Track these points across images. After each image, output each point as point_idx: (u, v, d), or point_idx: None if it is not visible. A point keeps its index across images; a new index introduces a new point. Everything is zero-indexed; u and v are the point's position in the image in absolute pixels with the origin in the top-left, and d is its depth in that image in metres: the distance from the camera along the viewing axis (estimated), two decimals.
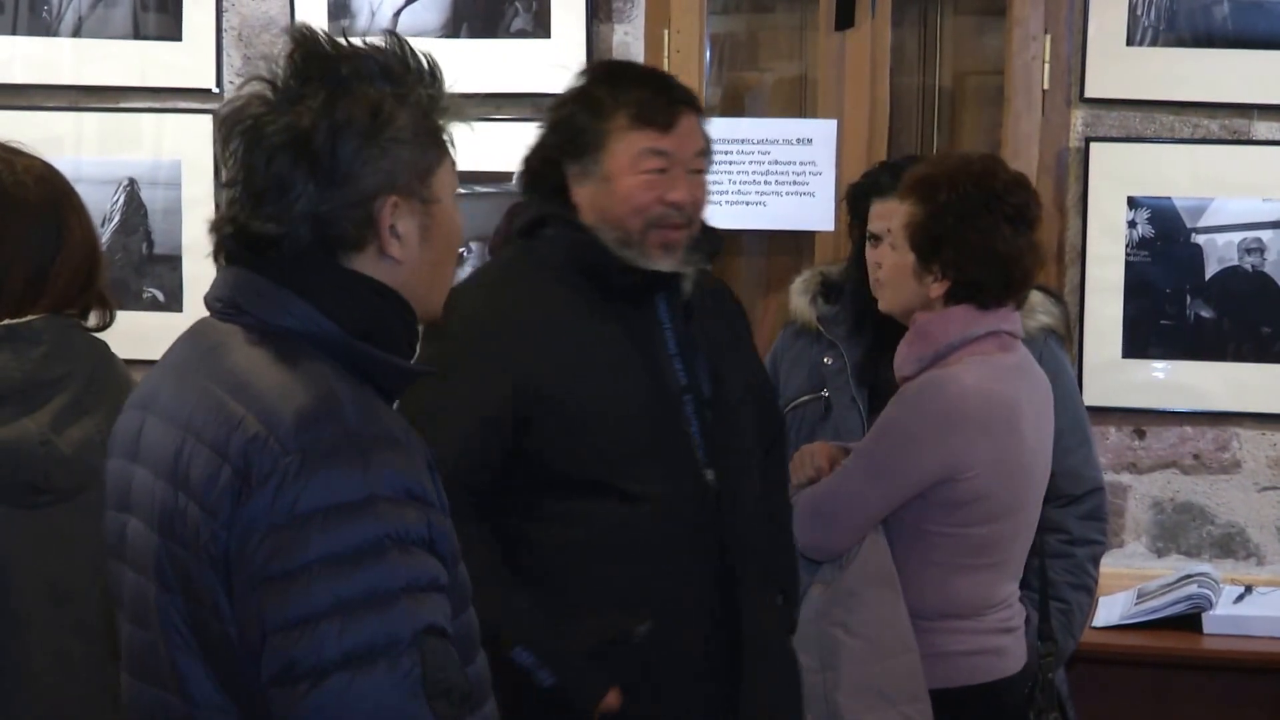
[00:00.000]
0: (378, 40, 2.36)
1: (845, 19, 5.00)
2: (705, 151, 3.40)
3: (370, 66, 2.32)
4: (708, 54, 5.20)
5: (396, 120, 2.30)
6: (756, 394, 3.59)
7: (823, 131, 4.95)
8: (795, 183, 4.94)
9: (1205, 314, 4.89)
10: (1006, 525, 3.66)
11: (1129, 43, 4.91)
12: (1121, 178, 4.91)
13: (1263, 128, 4.89)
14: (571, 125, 3.34)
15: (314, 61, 2.32)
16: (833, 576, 3.65)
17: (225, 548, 2.16)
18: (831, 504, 3.65)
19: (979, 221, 3.60)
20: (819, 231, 5.00)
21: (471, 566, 2.43)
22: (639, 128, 3.29)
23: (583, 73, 3.45)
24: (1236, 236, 4.85)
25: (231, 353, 2.30)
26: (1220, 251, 4.87)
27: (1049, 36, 4.94)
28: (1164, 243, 4.90)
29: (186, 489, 2.21)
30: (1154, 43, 4.89)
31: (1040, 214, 3.71)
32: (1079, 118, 4.96)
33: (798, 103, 5.29)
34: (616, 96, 3.32)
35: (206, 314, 2.40)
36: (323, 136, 2.26)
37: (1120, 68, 4.91)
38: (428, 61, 2.38)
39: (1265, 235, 4.86)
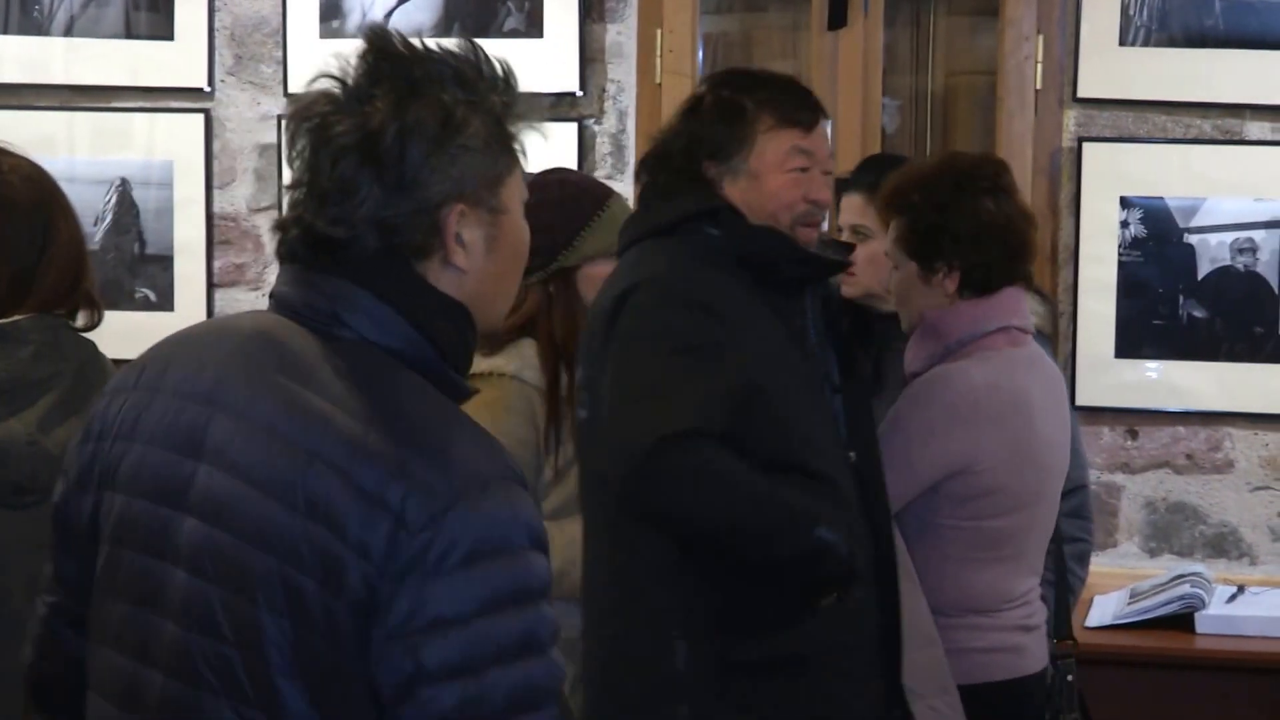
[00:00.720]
0: (452, 45, 2.30)
1: (838, 19, 5.00)
2: (832, 154, 3.50)
3: (444, 70, 2.24)
4: (700, 54, 5.20)
5: (468, 127, 2.22)
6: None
7: None
8: None
9: (1198, 314, 4.89)
10: (1021, 518, 3.67)
11: (1121, 43, 4.91)
12: (1114, 178, 4.91)
13: (1255, 128, 4.89)
14: (714, 127, 3.38)
15: (386, 62, 2.23)
16: None
17: (374, 587, 2.07)
18: None
19: (959, 205, 3.66)
20: None
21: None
22: (786, 127, 3.36)
23: (711, 78, 3.54)
24: (1229, 236, 4.85)
25: (332, 366, 2.20)
26: (1213, 251, 4.87)
27: (1041, 37, 4.94)
28: (1156, 243, 4.90)
29: (316, 518, 2.10)
30: (1146, 43, 4.90)
31: (1013, 181, 3.79)
32: (1072, 118, 4.96)
33: None
34: (761, 99, 3.38)
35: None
36: (391, 139, 2.18)
37: (1113, 68, 4.91)
38: (502, 68, 2.30)
39: (1258, 235, 4.86)
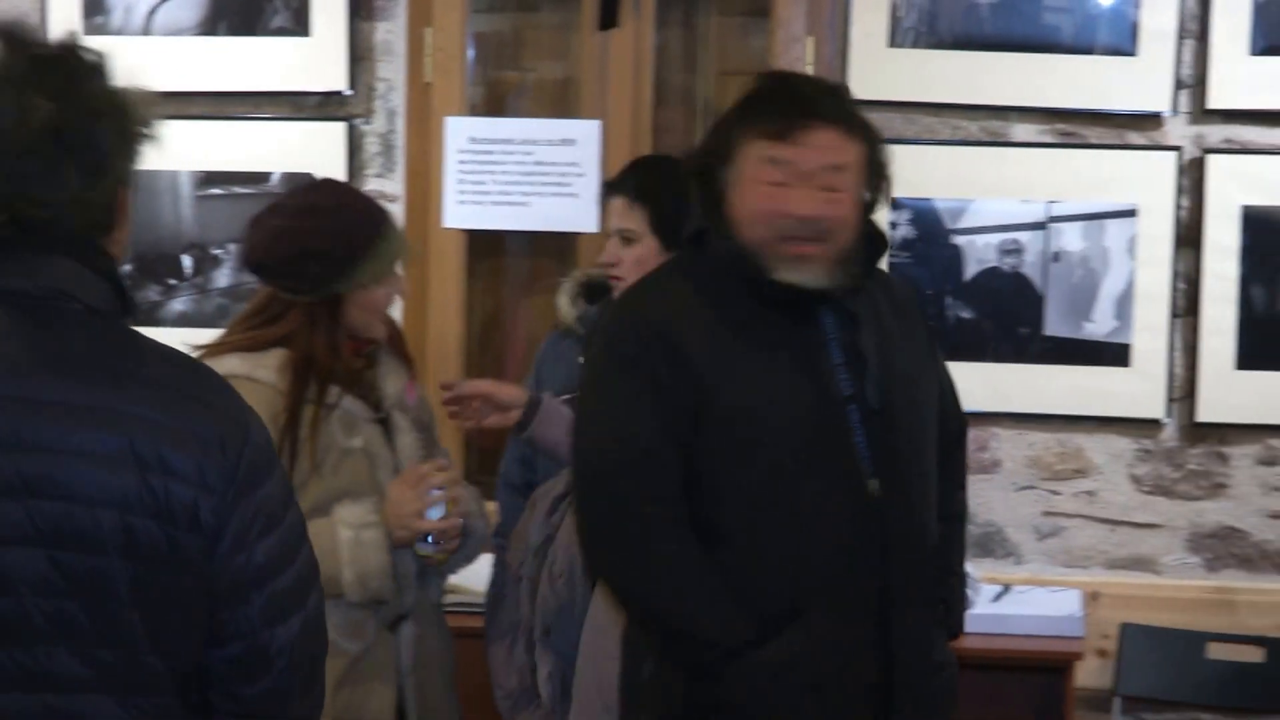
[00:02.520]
0: (68, 39, 2.41)
1: (609, 19, 4.98)
2: (843, 167, 3.26)
3: (99, 63, 2.40)
4: (471, 53, 5.15)
5: (138, 113, 2.40)
6: (936, 394, 3.53)
7: (586, 132, 4.92)
8: (559, 184, 4.91)
9: (965, 314, 4.93)
10: None
11: (890, 44, 4.93)
12: None
13: (1021, 129, 4.94)
14: (716, 131, 3.32)
15: (50, 58, 2.38)
16: None
17: (217, 511, 2.34)
18: None
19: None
20: (582, 233, 4.97)
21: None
22: (758, 137, 3.24)
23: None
24: (995, 238, 4.90)
25: (87, 336, 2.37)
26: (979, 253, 4.91)
27: (812, 38, 4.95)
28: (925, 244, 4.94)
29: (149, 469, 2.31)
30: (915, 45, 4.93)
31: None
32: None
33: (562, 103, 5.26)
34: (751, 104, 3.29)
35: None
36: (84, 127, 2.35)
37: (882, 69, 4.94)
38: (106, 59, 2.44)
39: (1023, 236, 4.91)
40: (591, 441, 3.29)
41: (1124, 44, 4.88)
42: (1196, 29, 4.87)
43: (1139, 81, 4.89)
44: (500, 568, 4.10)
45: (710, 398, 3.21)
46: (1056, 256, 4.92)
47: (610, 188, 4.20)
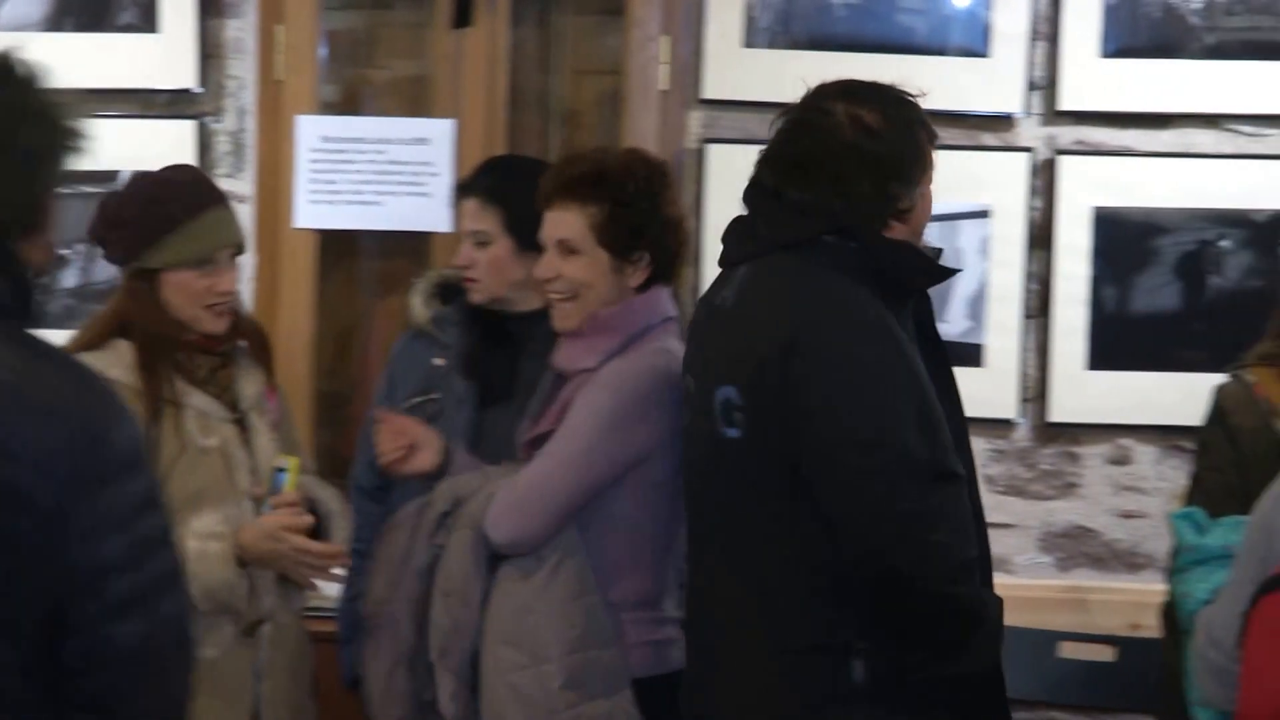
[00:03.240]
0: None
1: (463, 18, 4.95)
2: None
3: (31, 70, 2.48)
4: (323, 51, 5.10)
5: (69, 119, 2.48)
6: None
7: (440, 131, 4.90)
8: (412, 183, 4.88)
9: None
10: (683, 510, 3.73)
11: (746, 44, 4.93)
12: (738, 180, 4.85)
13: None
14: (901, 148, 3.37)
15: None
16: (534, 568, 3.64)
17: (59, 501, 2.34)
18: (536, 494, 3.64)
19: (660, 197, 3.76)
20: (436, 233, 4.93)
21: None
22: (934, 148, 3.42)
23: (849, 94, 3.42)
24: None
25: None
26: None
27: (667, 38, 4.95)
28: None
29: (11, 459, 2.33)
30: (770, 45, 4.93)
31: None
32: (696, 119, 4.97)
33: (416, 101, 5.22)
34: (923, 118, 3.42)
35: None
36: (16, 132, 2.42)
37: (737, 70, 4.93)
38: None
39: None
40: (876, 416, 3.22)
41: (977, 45, 4.91)
42: (1048, 31, 4.91)
43: (991, 83, 4.93)
44: (354, 585, 4.08)
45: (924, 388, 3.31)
46: None
47: (463, 189, 4.16)
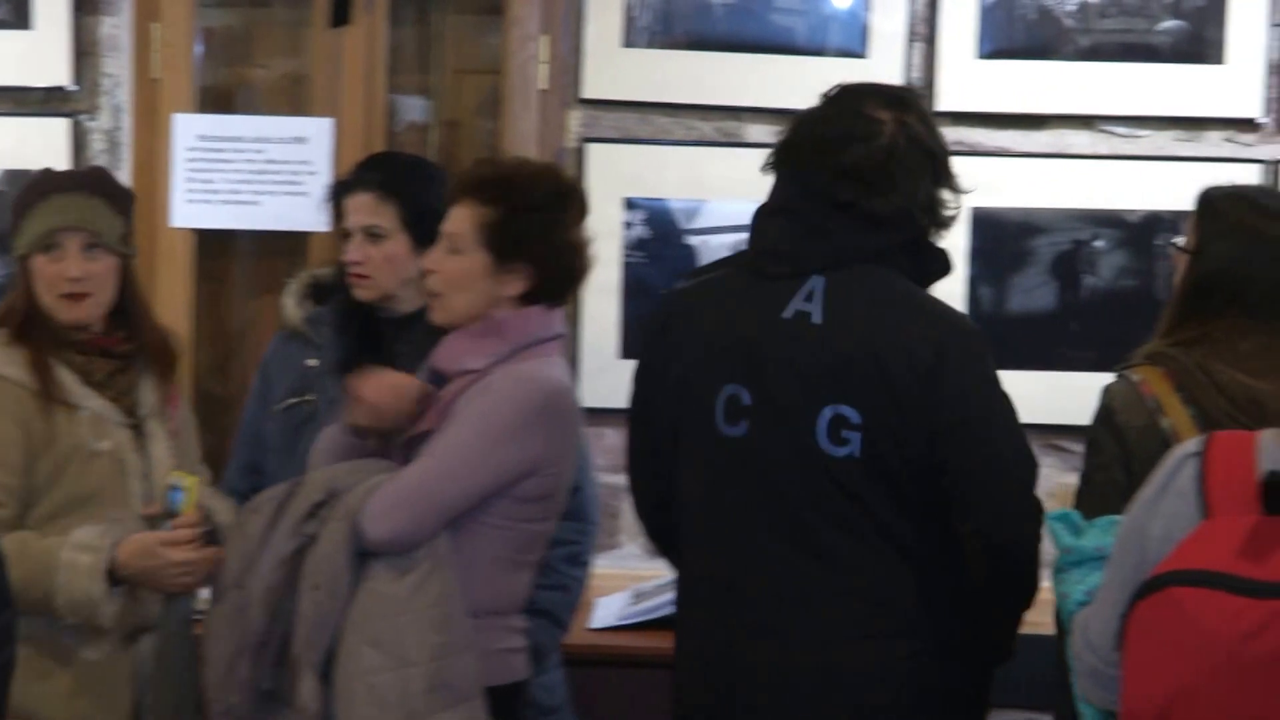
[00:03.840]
0: None
1: (341, 16, 4.93)
2: None
3: None
4: (200, 49, 5.06)
5: None
6: None
7: (318, 130, 4.87)
8: (290, 182, 4.85)
9: None
10: (555, 522, 3.75)
11: (625, 44, 4.94)
12: (618, 179, 4.94)
13: (754, 130, 4.97)
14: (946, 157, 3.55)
15: None
16: (406, 567, 3.59)
17: None
18: (420, 495, 3.59)
19: (562, 217, 3.70)
20: (314, 232, 4.90)
21: None
22: None
23: (900, 101, 3.53)
24: (729, 238, 4.89)
25: None
26: (713, 253, 4.90)
27: (547, 37, 4.94)
28: (659, 244, 4.95)
29: None
30: (650, 45, 4.94)
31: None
32: (576, 118, 4.97)
33: (294, 100, 5.19)
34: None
35: None
36: None
37: (616, 69, 4.95)
38: None
39: None
40: (1018, 425, 3.54)
41: (855, 46, 4.94)
42: (925, 32, 4.94)
43: None
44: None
45: None
46: None
47: (352, 184, 4.12)
